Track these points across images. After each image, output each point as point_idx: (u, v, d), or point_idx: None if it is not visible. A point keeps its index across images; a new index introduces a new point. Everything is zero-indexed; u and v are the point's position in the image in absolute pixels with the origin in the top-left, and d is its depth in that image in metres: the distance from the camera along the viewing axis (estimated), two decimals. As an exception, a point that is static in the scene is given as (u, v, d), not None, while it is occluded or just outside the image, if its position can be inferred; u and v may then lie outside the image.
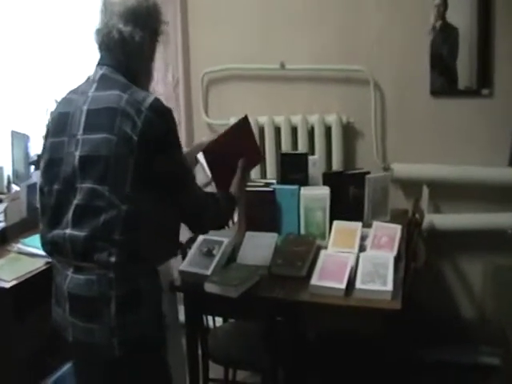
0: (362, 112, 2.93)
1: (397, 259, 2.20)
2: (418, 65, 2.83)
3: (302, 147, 3.00)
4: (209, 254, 2.32)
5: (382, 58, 2.87)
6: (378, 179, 2.68)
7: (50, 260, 2.54)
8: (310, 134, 3.00)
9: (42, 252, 2.61)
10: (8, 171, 3.30)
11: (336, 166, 2.97)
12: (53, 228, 1.64)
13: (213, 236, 2.41)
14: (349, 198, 2.68)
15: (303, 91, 3.01)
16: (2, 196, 3.08)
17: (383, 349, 2.11)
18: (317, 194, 2.50)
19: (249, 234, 2.46)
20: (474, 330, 2.98)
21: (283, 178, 2.71)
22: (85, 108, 1.60)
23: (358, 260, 2.14)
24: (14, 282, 2.40)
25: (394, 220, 2.63)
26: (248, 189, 2.56)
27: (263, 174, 3.10)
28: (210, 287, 2.14)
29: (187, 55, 3.26)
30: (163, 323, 1.69)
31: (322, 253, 2.21)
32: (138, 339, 1.59)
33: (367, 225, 2.49)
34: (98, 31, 1.65)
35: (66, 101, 1.70)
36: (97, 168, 1.54)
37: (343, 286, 2.01)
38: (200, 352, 2.43)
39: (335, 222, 2.45)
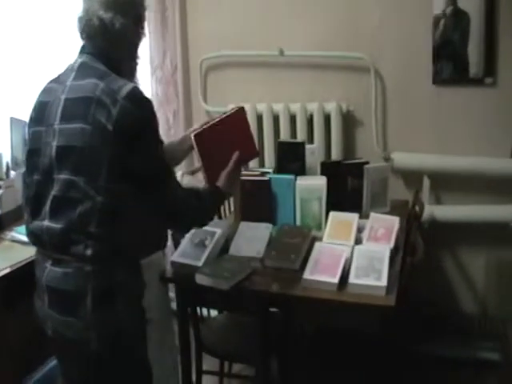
0: (363, 100, 2.85)
1: (393, 252, 2.15)
2: (420, 52, 2.75)
3: (300, 136, 2.94)
4: (201, 245, 2.28)
5: (384, 46, 2.79)
6: (377, 169, 2.62)
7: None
8: (309, 122, 2.94)
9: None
10: (7, 158, 3.27)
11: (335, 155, 2.90)
12: (34, 219, 1.61)
13: (206, 226, 2.36)
14: (347, 189, 2.63)
15: (302, 79, 2.94)
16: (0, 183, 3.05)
17: (380, 343, 2.06)
18: (313, 185, 2.44)
19: (243, 224, 2.41)
20: (474, 325, 2.92)
21: (280, 167, 2.65)
22: (63, 97, 1.57)
23: (353, 253, 2.08)
24: (7, 271, 2.39)
25: (393, 211, 2.57)
26: (243, 178, 2.53)
27: (261, 163, 3.04)
28: (201, 279, 2.10)
29: (185, 41, 3.19)
30: (143, 318, 1.65)
31: (317, 245, 2.16)
32: (115, 334, 1.55)
33: (365, 216, 2.44)
34: (80, 19, 1.61)
35: (46, 90, 1.66)
36: (72, 158, 1.51)
37: (336, 280, 1.95)
38: (194, 343, 2.40)
39: (331, 213, 2.39)
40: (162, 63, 3.23)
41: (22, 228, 2.69)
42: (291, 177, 2.49)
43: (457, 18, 2.69)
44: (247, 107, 3.03)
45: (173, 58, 3.20)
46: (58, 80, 1.65)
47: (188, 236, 2.34)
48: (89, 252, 1.50)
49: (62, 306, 1.53)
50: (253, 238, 2.31)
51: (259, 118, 3.04)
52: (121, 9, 1.59)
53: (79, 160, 1.50)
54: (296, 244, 2.22)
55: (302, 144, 2.62)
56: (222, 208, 2.83)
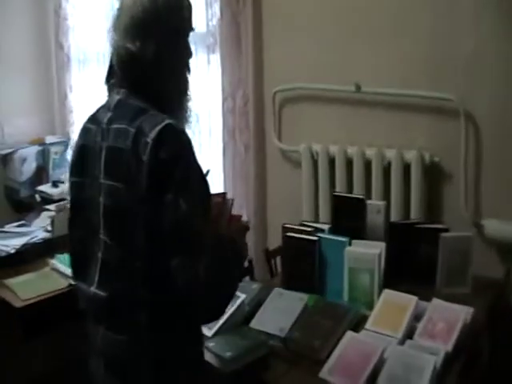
0: (451, 151, 2.31)
1: (450, 358, 1.63)
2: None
3: (375, 186, 2.49)
4: (219, 311, 1.93)
5: (478, 85, 2.22)
6: (457, 239, 2.11)
7: (73, 282, 2.39)
8: (386, 171, 2.47)
9: (70, 271, 2.48)
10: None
11: (414, 213, 2.39)
12: (79, 280, 1.49)
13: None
14: (419, 258, 2.15)
15: (380, 120, 2.46)
16: (51, 207, 2.98)
17: None
18: (364, 253, 1.98)
19: (276, 291, 2.03)
20: None
21: (336, 226, 2.23)
22: (104, 145, 1.37)
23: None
24: (27, 302, 2.33)
25: (477, 292, 2.06)
26: (289, 233, 2.17)
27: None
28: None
29: (260, 71, 2.87)
30: None
31: (348, 335, 1.70)
32: None
33: (441, 294, 1.94)
34: (110, 51, 1.41)
35: (84, 130, 1.48)
36: (115, 220, 1.35)
37: (356, 390, 1.50)
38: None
39: (385, 292, 1.93)
40: (235, 92, 2.94)
41: (64, 256, 2.60)
42: (345, 239, 2.07)
43: None
44: (319, 148, 2.65)
45: (245, 87, 2.91)
46: (94, 120, 1.45)
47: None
48: (143, 320, 1.33)
49: (120, 374, 1.41)
50: (282, 310, 1.92)
51: (331, 162, 2.63)
52: (148, 33, 1.34)
53: (117, 222, 1.34)
54: (327, 327, 1.80)
55: (361, 200, 2.19)
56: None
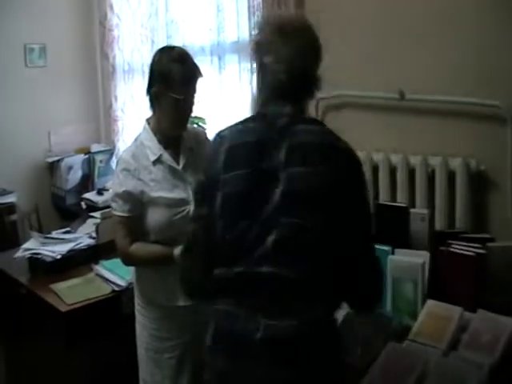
0: (498, 158, 2.27)
1: (496, 371, 1.58)
2: None
3: (419, 194, 2.45)
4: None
5: None
6: (504, 249, 2.04)
7: (116, 289, 2.43)
8: (431, 179, 2.42)
9: (113, 277, 2.53)
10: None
11: (459, 222, 2.35)
12: (233, 265, 1.41)
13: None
14: (463, 268, 2.09)
15: (425, 127, 2.43)
16: (96, 214, 3.03)
17: None
18: (407, 262, 1.95)
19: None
20: None
21: (379, 235, 2.19)
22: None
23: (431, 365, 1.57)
24: (72, 307, 2.39)
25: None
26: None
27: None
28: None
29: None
30: None
31: (389, 346, 1.67)
32: None
33: (487, 305, 1.88)
34: None
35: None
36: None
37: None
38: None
39: (429, 302, 1.88)
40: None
41: (109, 262, 2.65)
42: (387, 248, 2.03)
43: None
44: (362, 156, 2.62)
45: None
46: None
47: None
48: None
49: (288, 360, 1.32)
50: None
51: (375, 170, 2.60)
52: None
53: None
54: (368, 336, 1.76)
55: (405, 209, 2.15)
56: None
